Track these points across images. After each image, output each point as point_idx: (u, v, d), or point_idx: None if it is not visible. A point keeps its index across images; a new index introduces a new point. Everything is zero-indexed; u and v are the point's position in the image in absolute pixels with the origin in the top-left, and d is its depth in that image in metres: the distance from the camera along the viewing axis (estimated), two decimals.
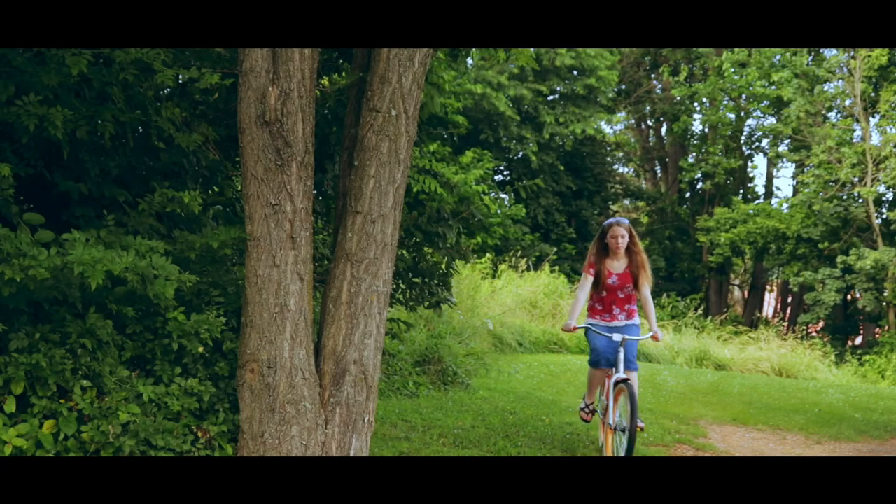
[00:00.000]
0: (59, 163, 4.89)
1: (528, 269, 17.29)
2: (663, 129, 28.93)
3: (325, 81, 5.93)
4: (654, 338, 5.90)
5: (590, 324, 6.04)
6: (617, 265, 5.98)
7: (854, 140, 20.81)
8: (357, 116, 4.94)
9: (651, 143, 29.92)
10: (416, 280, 6.94)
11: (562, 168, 23.16)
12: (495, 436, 6.69)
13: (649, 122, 29.69)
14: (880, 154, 19.83)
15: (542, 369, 11.60)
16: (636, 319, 6.10)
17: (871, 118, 20.64)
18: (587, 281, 5.99)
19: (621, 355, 5.78)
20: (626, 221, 6.01)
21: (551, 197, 22.95)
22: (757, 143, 26.41)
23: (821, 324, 22.29)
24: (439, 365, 9.28)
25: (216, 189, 6.02)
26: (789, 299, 26.66)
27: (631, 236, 5.96)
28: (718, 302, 25.67)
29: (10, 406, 4.24)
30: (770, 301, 28.98)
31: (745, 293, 28.43)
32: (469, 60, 18.65)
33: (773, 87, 21.67)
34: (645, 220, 29.16)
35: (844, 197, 20.96)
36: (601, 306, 6.08)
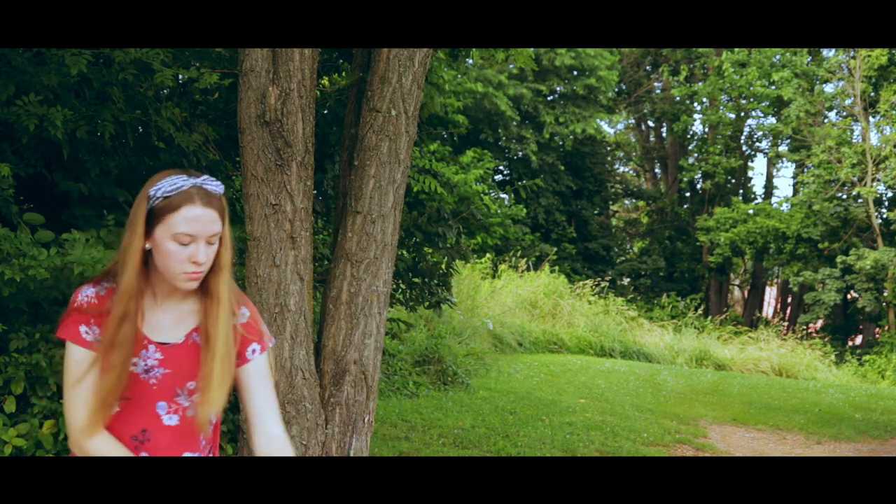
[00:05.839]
0: (59, 163, 4.88)
1: (528, 269, 17.29)
2: (663, 129, 28.94)
3: (325, 81, 5.93)
4: None
5: None
6: None
7: (854, 140, 20.81)
8: (357, 116, 4.94)
9: (651, 143, 29.93)
10: (416, 280, 6.93)
11: (562, 168, 23.16)
12: (495, 436, 6.68)
13: (649, 122, 29.69)
14: (880, 154, 19.82)
15: (542, 369, 11.59)
16: None
17: (870, 118, 20.63)
18: None
19: None
20: None
21: (551, 197, 22.94)
22: (757, 144, 26.43)
23: (820, 323, 22.30)
24: (439, 365, 9.27)
25: None
26: (789, 299, 26.66)
27: None
28: (718, 302, 25.68)
29: (10, 406, 4.24)
30: (770, 301, 28.98)
31: (745, 293, 28.43)
32: (469, 60, 18.64)
33: (773, 87, 21.67)
34: (645, 220, 29.19)
35: (844, 197, 20.96)
36: None
